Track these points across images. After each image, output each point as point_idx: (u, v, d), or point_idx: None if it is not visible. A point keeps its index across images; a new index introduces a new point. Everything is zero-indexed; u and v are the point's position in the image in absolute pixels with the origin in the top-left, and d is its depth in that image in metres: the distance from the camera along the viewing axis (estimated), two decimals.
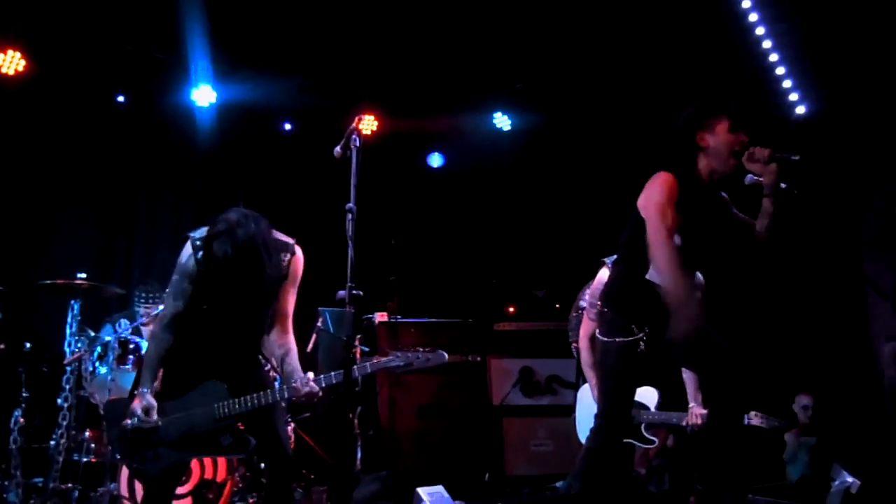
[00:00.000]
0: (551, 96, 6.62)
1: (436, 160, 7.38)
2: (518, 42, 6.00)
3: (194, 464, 4.22)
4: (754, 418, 4.07)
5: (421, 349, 3.39)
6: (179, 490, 4.14)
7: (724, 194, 3.38)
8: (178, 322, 3.21)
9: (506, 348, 5.91)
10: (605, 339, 3.36)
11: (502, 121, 7.03)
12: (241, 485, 4.51)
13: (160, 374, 3.24)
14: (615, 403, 3.35)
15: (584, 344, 4.45)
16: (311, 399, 3.22)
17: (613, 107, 6.37)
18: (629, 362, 3.27)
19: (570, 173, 6.63)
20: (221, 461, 4.32)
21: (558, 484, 5.23)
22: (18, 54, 5.57)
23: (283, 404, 3.26)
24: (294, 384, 3.17)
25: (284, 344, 3.33)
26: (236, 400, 3.18)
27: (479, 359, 5.78)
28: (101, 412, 3.65)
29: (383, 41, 6.08)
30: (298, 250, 3.34)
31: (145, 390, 3.14)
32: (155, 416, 3.13)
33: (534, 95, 6.66)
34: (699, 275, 3.30)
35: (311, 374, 3.22)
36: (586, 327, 4.45)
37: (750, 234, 3.35)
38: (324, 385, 3.21)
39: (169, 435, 3.16)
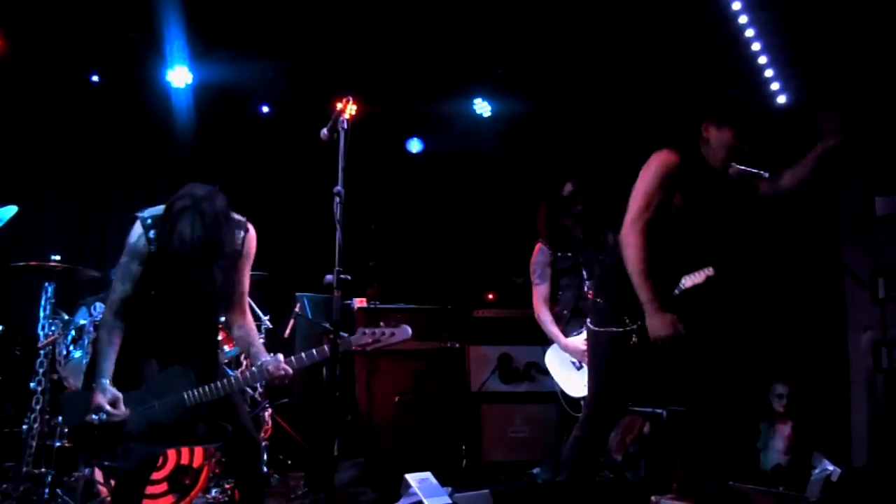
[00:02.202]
0: (532, 82, 6.59)
1: (415, 146, 7.34)
2: (499, 27, 5.96)
3: (170, 450, 4.18)
4: None
5: (384, 325, 3.32)
6: (155, 476, 4.10)
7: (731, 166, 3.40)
8: (129, 307, 3.10)
9: (485, 335, 5.91)
10: (597, 328, 3.38)
11: (482, 107, 7.00)
12: (217, 470, 4.48)
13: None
14: (606, 393, 3.36)
15: (538, 308, 4.78)
16: (282, 381, 3.15)
17: (595, 93, 6.37)
18: (620, 352, 3.29)
19: (551, 160, 6.62)
20: (198, 447, 4.28)
21: (535, 470, 5.26)
22: None
23: (257, 388, 3.20)
24: (267, 367, 3.10)
25: (243, 325, 3.28)
26: (207, 386, 3.08)
27: (457, 345, 5.78)
28: (59, 404, 3.49)
29: (362, 25, 6.00)
30: (251, 228, 3.28)
31: (105, 381, 3.00)
32: (123, 408, 3.00)
33: (514, 81, 6.63)
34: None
35: (280, 356, 3.15)
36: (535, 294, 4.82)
37: (753, 195, 3.39)
38: (296, 366, 3.14)
39: (137, 428, 3.03)
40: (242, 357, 4.83)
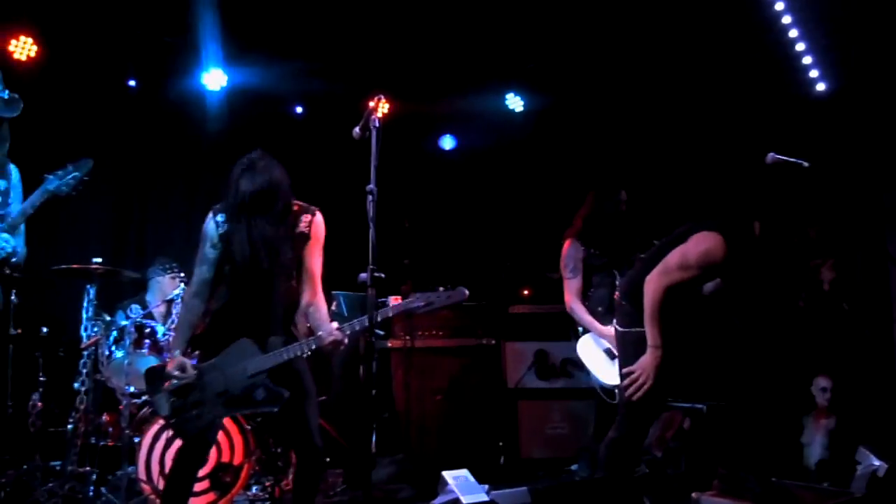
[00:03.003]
0: (565, 76, 6.55)
1: (448, 142, 7.33)
2: (530, 21, 5.93)
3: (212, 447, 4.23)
4: None
5: (441, 288, 3.49)
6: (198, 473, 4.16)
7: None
8: (207, 287, 3.37)
9: (520, 331, 5.88)
10: (624, 329, 3.38)
11: (515, 102, 6.96)
12: (257, 468, 4.53)
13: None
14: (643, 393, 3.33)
15: (570, 300, 4.70)
16: (336, 348, 3.34)
17: (629, 85, 6.29)
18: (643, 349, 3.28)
19: (584, 154, 6.57)
20: (238, 445, 4.33)
21: (573, 467, 5.23)
22: (30, 40, 5.55)
23: (307, 353, 3.34)
24: (319, 334, 3.32)
25: (314, 303, 3.47)
26: (267, 355, 3.31)
27: (493, 342, 5.77)
28: (144, 379, 3.74)
29: (393, 23, 6.02)
30: (318, 213, 3.49)
31: (177, 352, 3.33)
32: (191, 372, 3.29)
33: (547, 75, 6.59)
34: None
35: (335, 324, 3.34)
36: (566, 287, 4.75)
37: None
38: (347, 332, 3.31)
39: (207, 395, 3.30)
40: None
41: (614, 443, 3.36)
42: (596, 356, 4.64)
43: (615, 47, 5.97)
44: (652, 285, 3.27)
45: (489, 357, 5.74)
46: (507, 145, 7.05)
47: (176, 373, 3.29)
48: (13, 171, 3.06)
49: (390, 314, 3.42)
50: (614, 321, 3.57)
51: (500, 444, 5.66)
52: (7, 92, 3.02)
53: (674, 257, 3.30)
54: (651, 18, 5.53)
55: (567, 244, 4.82)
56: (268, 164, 3.40)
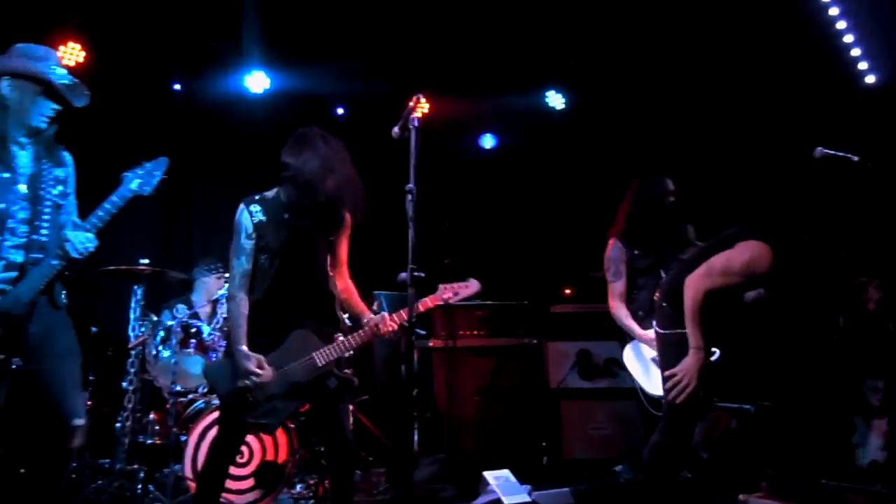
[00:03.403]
0: (607, 72, 6.48)
1: (488, 141, 7.32)
2: (570, 17, 5.88)
3: (255, 445, 4.28)
4: None
5: (456, 283, 3.71)
6: (241, 472, 4.21)
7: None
8: (248, 279, 3.38)
9: (562, 331, 5.83)
10: (664, 331, 3.33)
11: (555, 99, 6.91)
12: (300, 466, 4.57)
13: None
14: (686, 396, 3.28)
15: (613, 305, 4.57)
16: (388, 333, 3.42)
17: (674, 81, 6.20)
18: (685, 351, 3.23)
19: (627, 152, 6.49)
20: (282, 443, 4.36)
21: (617, 468, 5.17)
22: (79, 46, 5.67)
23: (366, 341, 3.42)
24: (375, 323, 3.39)
25: (347, 288, 3.56)
26: (332, 345, 3.36)
27: (535, 341, 5.73)
28: (204, 376, 3.84)
29: (433, 23, 6.02)
30: None
31: (244, 348, 3.29)
32: (269, 370, 3.29)
33: (588, 72, 6.53)
34: None
35: (385, 314, 3.42)
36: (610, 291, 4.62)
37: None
38: (397, 322, 3.40)
39: (279, 388, 3.31)
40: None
41: (658, 446, 3.31)
42: (640, 363, 4.53)
43: (660, 42, 5.88)
44: (693, 287, 3.22)
45: (531, 357, 5.70)
46: (548, 143, 7.01)
47: (256, 370, 3.27)
48: (68, 157, 3.11)
49: (422, 310, 3.47)
50: (654, 323, 3.52)
51: (544, 444, 5.62)
52: (70, 77, 3.07)
53: (718, 261, 3.24)
54: (697, 13, 5.44)
55: (610, 245, 4.65)
56: (312, 146, 3.42)
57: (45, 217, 3.05)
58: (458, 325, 5.55)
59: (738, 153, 5.86)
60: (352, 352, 3.47)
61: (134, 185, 3.31)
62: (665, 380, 3.35)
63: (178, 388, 4.57)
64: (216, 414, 4.16)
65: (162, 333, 4.77)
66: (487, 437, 5.44)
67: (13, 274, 2.97)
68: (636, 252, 4.58)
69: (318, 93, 6.67)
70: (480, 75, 6.61)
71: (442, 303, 3.66)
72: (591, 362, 5.74)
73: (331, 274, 3.54)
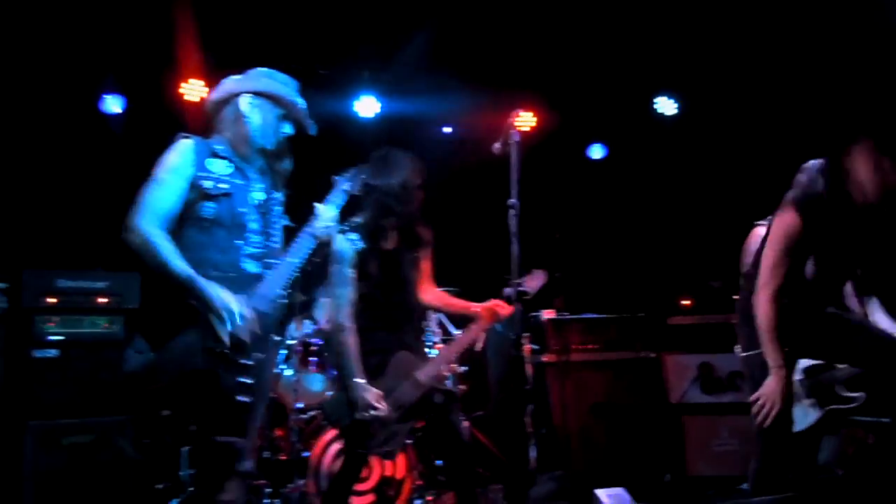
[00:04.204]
0: (718, 75, 6.27)
1: (597, 151, 7.22)
2: (678, 20, 5.74)
3: (375, 462, 4.36)
4: None
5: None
6: (361, 487, 4.30)
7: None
8: (353, 308, 3.43)
9: (682, 343, 5.65)
10: (745, 353, 3.23)
11: (666, 105, 6.75)
12: (419, 482, 4.61)
13: None
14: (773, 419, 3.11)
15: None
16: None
17: (787, 82, 5.94)
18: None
19: (743, 156, 6.25)
20: (400, 459, 4.43)
21: (744, 486, 4.94)
22: (202, 82, 6.00)
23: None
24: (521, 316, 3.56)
25: (440, 297, 3.69)
26: (432, 361, 3.47)
27: (653, 355, 5.58)
28: (323, 413, 4.07)
29: (537, 35, 6.02)
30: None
31: (363, 381, 3.35)
32: (385, 404, 3.36)
33: (699, 75, 6.35)
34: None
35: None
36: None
37: None
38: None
39: (394, 413, 3.39)
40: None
41: (759, 473, 3.16)
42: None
43: (773, 42, 5.65)
44: (758, 301, 3.07)
45: (649, 371, 5.56)
46: (660, 150, 6.84)
47: (375, 404, 3.33)
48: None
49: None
50: (735, 347, 3.38)
51: (665, 461, 5.45)
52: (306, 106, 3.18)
53: (764, 261, 3.08)
54: (808, 13, 5.19)
55: (753, 234, 4.21)
56: (395, 167, 3.49)
57: (274, 226, 3.05)
58: (571, 340, 5.48)
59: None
60: (450, 364, 3.52)
61: (348, 187, 3.42)
62: (752, 404, 3.20)
63: (300, 405, 4.72)
64: (335, 430, 4.28)
65: (284, 353, 4.94)
66: (605, 453, 5.33)
67: (249, 278, 2.93)
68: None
69: (426, 113, 6.78)
70: (588, 85, 6.54)
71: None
72: (714, 375, 5.54)
73: (422, 290, 3.63)
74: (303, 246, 3.00)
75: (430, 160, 6.84)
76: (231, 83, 3.07)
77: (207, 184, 2.85)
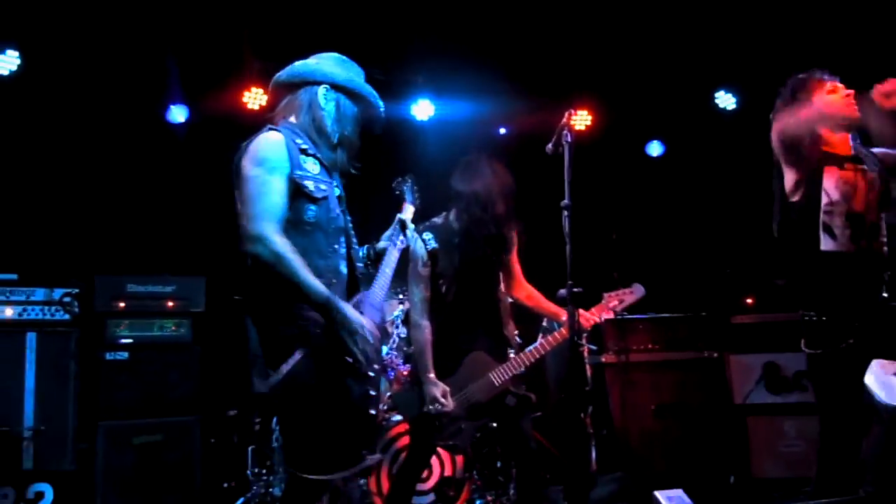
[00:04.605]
0: (778, 67, 6.11)
1: (655, 148, 7.12)
2: (739, 8, 5.62)
3: (435, 462, 4.40)
4: None
5: (621, 290, 3.87)
6: (423, 486, 4.35)
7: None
8: (428, 305, 3.53)
9: (746, 343, 5.54)
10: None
11: (726, 99, 6.62)
12: (479, 482, 4.63)
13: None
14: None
15: None
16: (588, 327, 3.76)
17: (848, 75, 5.75)
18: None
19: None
20: (460, 459, 4.45)
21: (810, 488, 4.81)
22: (261, 90, 6.12)
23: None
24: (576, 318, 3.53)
25: (531, 296, 3.75)
26: (507, 364, 3.51)
27: (715, 355, 5.49)
28: (394, 403, 4.17)
29: (591, 30, 5.98)
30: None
31: (432, 376, 3.46)
32: (451, 400, 3.45)
33: (757, 68, 6.19)
34: None
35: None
36: None
37: None
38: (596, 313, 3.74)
39: (462, 409, 3.48)
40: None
41: (820, 475, 3.06)
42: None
43: (832, 34, 5.49)
44: None
45: (712, 371, 5.46)
46: (720, 145, 6.71)
47: (441, 398, 3.43)
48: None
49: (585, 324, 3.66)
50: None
51: (729, 463, 5.35)
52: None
53: None
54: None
55: None
56: (481, 173, 3.53)
57: (350, 224, 2.95)
58: (630, 340, 5.42)
59: None
60: (524, 369, 3.51)
61: (412, 190, 3.52)
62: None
63: None
64: (396, 429, 4.35)
65: None
66: (667, 455, 5.26)
67: (345, 282, 2.81)
68: None
69: (481, 115, 6.79)
70: (645, 80, 6.46)
71: (610, 314, 3.73)
72: (780, 375, 5.41)
73: (504, 293, 3.66)
74: (393, 256, 3.04)
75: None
76: (305, 67, 2.87)
77: (309, 185, 2.69)
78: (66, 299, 4.83)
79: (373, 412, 2.77)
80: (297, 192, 2.66)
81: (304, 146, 2.74)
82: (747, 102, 6.60)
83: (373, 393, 2.76)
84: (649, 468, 5.21)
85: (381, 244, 3.15)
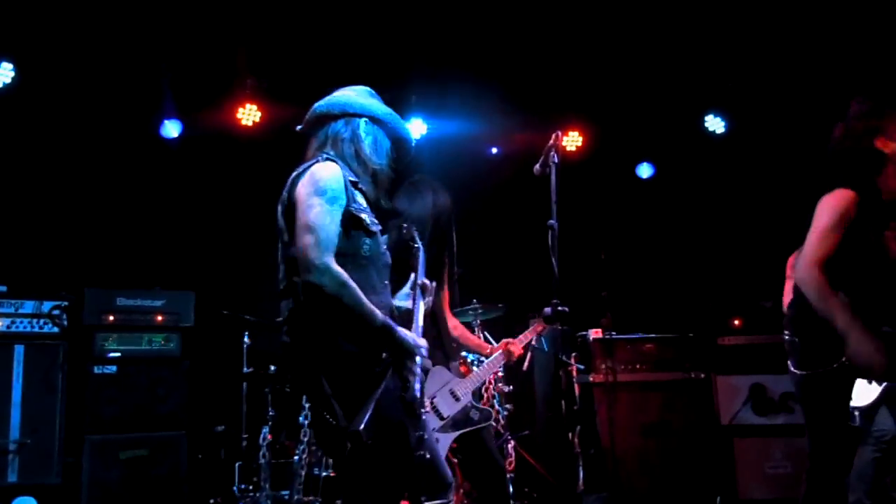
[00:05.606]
0: (768, 93, 6.21)
1: (645, 170, 7.18)
2: (728, 36, 5.70)
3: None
4: None
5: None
6: None
7: None
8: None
9: (732, 364, 5.58)
10: (799, 371, 2.98)
11: (714, 123, 6.70)
12: (465, 501, 4.62)
13: None
14: (827, 444, 3.01)
15: None
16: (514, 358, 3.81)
17: (837, 100, 5.84)
18: (833, 394, 2.92)
19: (792, 174, 6.16)
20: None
21: None
22: (255, 107, 6.17)
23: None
24: (508, 350, 3.75)
25: (457, 326, 3.77)
26: (468, 377, 3.60)
27: (702, 375, 5.51)
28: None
29: (583, 53, 6.05)
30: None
31: None
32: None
33: (747, 93, 6.29)
34: None
35: (509, 339, 3.77)
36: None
37: None
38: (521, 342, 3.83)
39: (431, 424, 3.43)
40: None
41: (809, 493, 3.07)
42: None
43: (822, 60, 5.58)
44: (804, 264, 2.84)
45: (699, 392, 5.49)
46: (709, 169, 6.79)
47: None
48: None
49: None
50: (789, 362, 3.09)
51: (716, 483, 5.36)
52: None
53: (812, 231, 2.91)
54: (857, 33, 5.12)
55: None
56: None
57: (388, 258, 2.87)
58: (618, 360, 5.45)
59: None
60: (486, 381, 3.62)
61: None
62: (805, 425, 3.09)
63: None
64: None
65: None
66: (654, 475, 5.27)
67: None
68: None
69: (473, 135, 6.84)
70: (635, 103, 6.54)
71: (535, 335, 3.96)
72: (766, 396, 5.45)
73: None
74: (421, 314, 2.88)
75: (478, 180, 6.97)
76: (346, 98, 2.85)
77: (365, 218, 2.63)
78: (55, 312, 4.82)
79: (424, 454, 2.64)
80: (355, 225, 2.60)
81: (352, 178, 2.69)
82: (736, 126, 6.68)
83: (424, 434, 2.65)
84: (636, 489, 5.22)
85: (401, 303, 2.98)
